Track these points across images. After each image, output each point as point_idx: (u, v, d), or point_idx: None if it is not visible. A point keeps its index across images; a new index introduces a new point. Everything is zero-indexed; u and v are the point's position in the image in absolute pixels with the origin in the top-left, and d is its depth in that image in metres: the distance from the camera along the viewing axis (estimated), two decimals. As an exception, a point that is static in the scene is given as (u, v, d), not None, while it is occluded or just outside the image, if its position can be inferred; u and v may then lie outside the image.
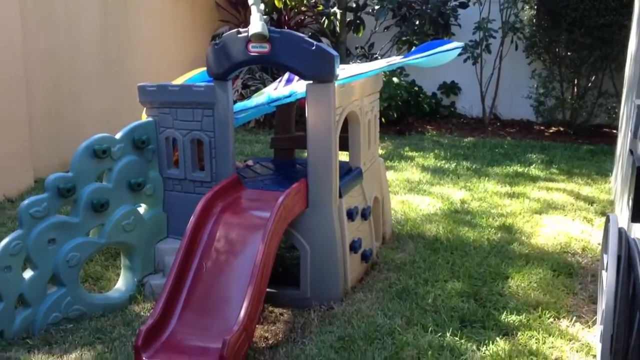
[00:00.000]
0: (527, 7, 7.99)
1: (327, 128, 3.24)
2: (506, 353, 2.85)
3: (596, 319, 3.15)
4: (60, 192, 3.12)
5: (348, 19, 8.59)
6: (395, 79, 7.89)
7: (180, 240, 3.04)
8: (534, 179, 5.85)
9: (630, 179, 3.32)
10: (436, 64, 4.13)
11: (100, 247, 3.36)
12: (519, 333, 3.03)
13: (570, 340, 2.99)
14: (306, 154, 3.34)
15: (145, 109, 3.64)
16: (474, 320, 3.14)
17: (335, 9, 8.39)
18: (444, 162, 6.45)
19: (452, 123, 8.61)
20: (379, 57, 8.13)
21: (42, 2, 5.73)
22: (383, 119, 7.43)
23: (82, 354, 2.89)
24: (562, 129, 8.12)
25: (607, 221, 2.80)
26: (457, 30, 8.48)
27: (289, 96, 3.60)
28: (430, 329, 3.04)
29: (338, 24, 8.45)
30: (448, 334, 2.99)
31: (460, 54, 5.81)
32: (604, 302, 2.44)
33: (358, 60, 8.30)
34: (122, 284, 3.52)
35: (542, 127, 8.33)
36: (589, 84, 7.81)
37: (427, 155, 6.72)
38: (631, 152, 3.43)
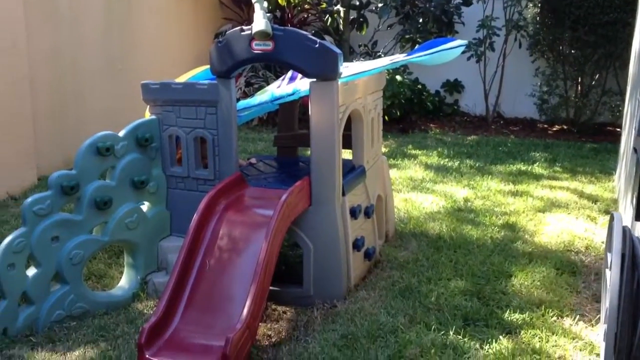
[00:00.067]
0: (531, 4, 7.97)
1: (330, 126, 3.24)
2: (509, 351, 2.84)
3: (600, 317, 3.14)
4: (64, 189, 3.12)
5: (351, 17, 8.58)
6: (398, 77, 7.88)
7: (183, 238, 3.04)
8: (538, 177, 5.84)
9: (634, 177, 3.31)
10: (439, 62, 4.13)
11: (103, 245, 3.37)
12: (522, 331, 3.02)
13: (574, 339, 2.98)
14: (309, 152, 3.34)
15: (148, 106, 3.64)
16: (477, 318, 3.13)
17: (338, 6, 8.39)
18: (447, 160, 6.44)
19: (455, 121, 8.60)
20: (382, 55, 8.12)
21: (45, -1, 5.74)
22: (386, 117, 7.43)
23: (85, 352, 2.90)
24: (565, 127, 8.09)
25: (611, 219, 2.79)
26: (461, 28, 8.47)
27: (292, 94, 3.59)
28: (433, 327, 3.03)
29: (341, 21, 8.45)
30: (451, 332, 2.99)
31: (463, 52, 5.80)
32: (607, 301, 2.44)
33: (361, 58, 8.29)
34: (125, 281, 3.52)
35: (545, 125, 8.31)
36: (593, 82, 7.79)
37: (430, 154, 6.71)
38: (635, 150, 3.42)
